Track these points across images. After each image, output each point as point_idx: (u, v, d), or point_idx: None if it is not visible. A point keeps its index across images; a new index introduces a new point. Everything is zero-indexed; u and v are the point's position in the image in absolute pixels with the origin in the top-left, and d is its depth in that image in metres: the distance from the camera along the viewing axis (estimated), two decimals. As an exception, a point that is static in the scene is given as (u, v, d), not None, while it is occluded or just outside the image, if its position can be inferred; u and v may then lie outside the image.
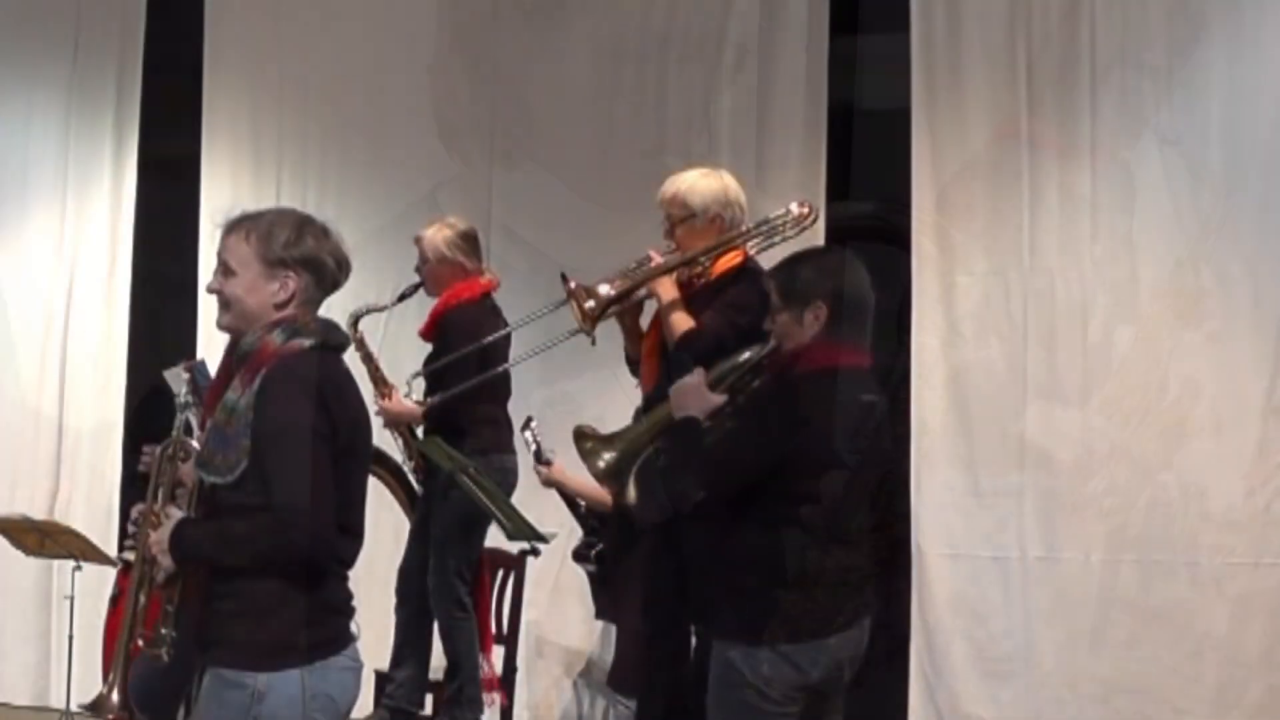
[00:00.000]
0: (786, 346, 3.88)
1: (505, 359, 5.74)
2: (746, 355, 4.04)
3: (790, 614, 3.76)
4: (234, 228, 3.36)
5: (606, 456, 4.18)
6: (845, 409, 3.83)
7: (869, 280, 3.93)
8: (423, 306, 6.01)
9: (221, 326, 3.40)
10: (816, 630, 3.80)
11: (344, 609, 3.28)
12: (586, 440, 4.23)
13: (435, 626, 5.88)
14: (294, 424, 3.18)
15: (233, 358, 4.40)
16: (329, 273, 3.36)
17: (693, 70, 6.82)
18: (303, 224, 3.35)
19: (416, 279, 5.91)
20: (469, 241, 5.84)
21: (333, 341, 3.36)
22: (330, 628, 3.24)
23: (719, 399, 3.95)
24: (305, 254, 3.31)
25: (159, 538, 3.32)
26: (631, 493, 4.24)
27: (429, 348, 5.89)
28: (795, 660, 3.76)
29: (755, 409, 3.90)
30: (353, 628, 3.30)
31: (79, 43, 7.77)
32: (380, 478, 6.03)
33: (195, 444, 3.81)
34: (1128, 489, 6.02)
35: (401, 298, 6.00)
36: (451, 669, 5.78)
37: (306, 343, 3.28)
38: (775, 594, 3.76)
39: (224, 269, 3.35)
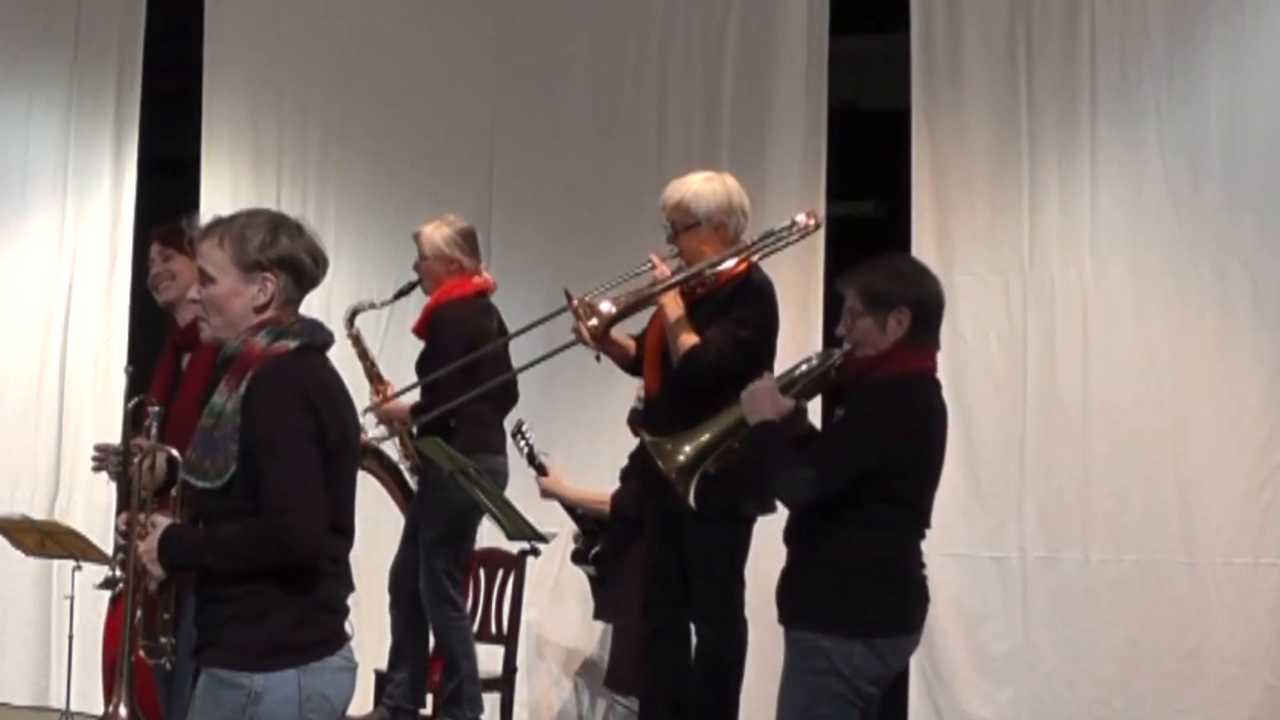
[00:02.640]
0: (864, 351, 3.97)
1: (504, 363, 5.73)
2: (811, 363, 4.17)
3: (887, 611, 3.96)
4: (206, 234, 3.33)
5: (686, 450, 4.24)
6: (935, 412, 4.03)
7: (941, 287, 4.08)
8: (423, 304, 5.99)
9: (205, 337, 3.39)
10: (905, 626, 4.04)
11: (338, 608, 3.27)
12: (665, 443, 4.28)
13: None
14: (282, 427, 3.16)
15: (173, 351, 4.41)
16: (307, 271, 3.33)
17: (693, 71, 6.82)
18: (276, 224, 3.32)
19: (415, 277, 5.90)
20: (468, 239, 5.81)
21: (318, 341, 3.33)
22: (325, 627, 3.23)
23: (790, 403, 4.05)
24: (281, 254, 3.28)
25: (148, 547, 3.30)
26: (692, 497, 4.25)
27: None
28: (883, 654, 3.95)
29: (864, 412, 3.97)
30: (348, 627, 3.28)
31: (79, 43, 7.78)
32: (377, 476, 6.02)
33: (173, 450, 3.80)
34: (1128, 489, 6.02)
35: (398, 295, 5.99)
36: (449, 668, 5.78)
37: (292, 344, 3.25)
38: (874, 591, 3.92)
39: (202, 276, 3.32)
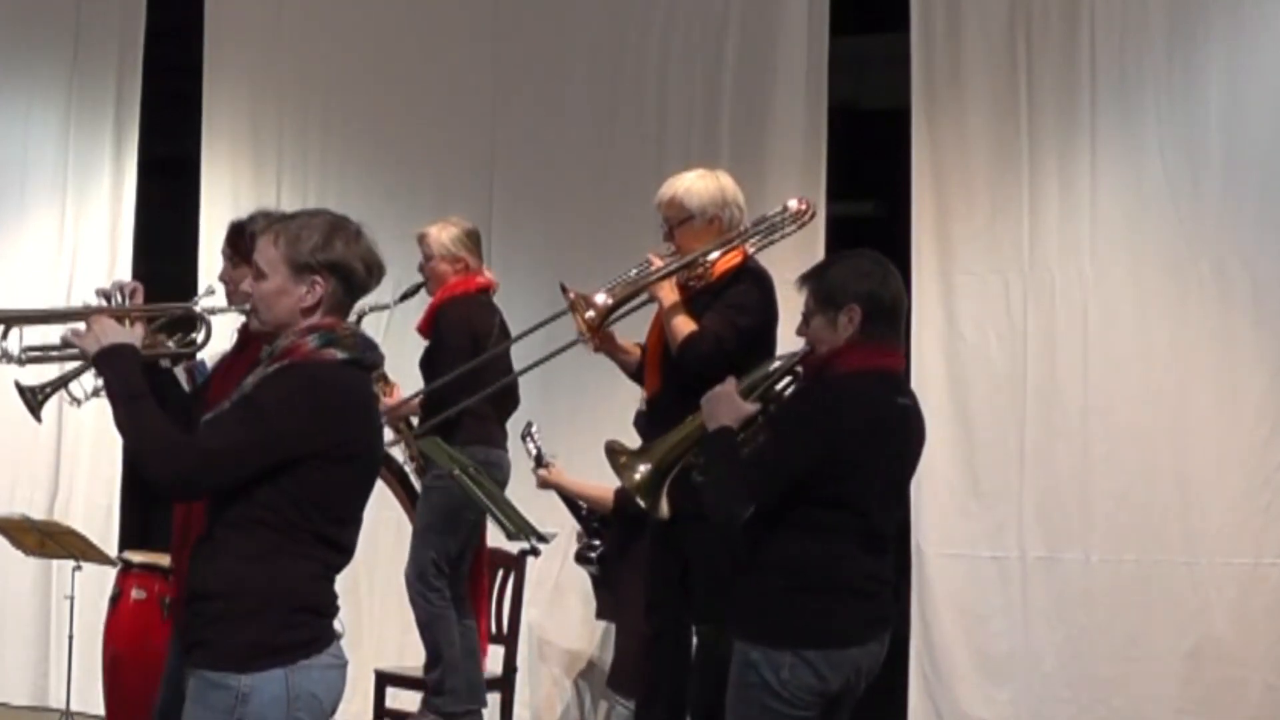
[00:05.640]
0: (820, 350, 3.89)
1: (505, 361, 5.73)
2: (777, 364, 4.06)
3: (818, 620, 3.77)
4: (265, 230, 3.34)
5: (642, 469, 4.14)
6: (881, 411, 3.85)
7: (902, 284, 3.95)
8: (425, 305, 5.99)
9: (253, 329, 3.38)
10: (841, 638, 3.80)
11: (327, 610, 3.26)
12: (620, 455, 4.19)
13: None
14: (274, 412, 3.14)
15: (238, 355, 4.38)
16: (358, 278, 3.32)
17: (693, 71, 6.82)
18: (332, 228, 3.31)
19: (419, 278, 5.90)
20: (473, 239, 5.85)
21: (366, 360, 3.32)
22: (313, 627, 3.22)
23: (752, 407, 3.93)
24: (333, 259, 3.27)
25: (102, 327, 3.32)
26: (664, 507, 4.19)
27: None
28: (816, 667, 3.75)
29: (795, 412, 3.89)
30: (337, 626, 3.28)
31: (79, 43, 7.78)
32: (386, 482, 5.99)
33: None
34: (1128, 489, 6.02)
35: (404, 296, 5.98)
36: (432, 660, 5.74)
37: (340, 355, 3.24)
38: (804, 599, 3.77)
39: (255, 271, 3.32)
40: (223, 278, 4.63)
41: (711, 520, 4.04)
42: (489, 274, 5.91)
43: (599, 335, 4.95)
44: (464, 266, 5.80)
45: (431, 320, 5.78)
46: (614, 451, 4.24)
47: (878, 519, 3.87)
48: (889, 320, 3.88)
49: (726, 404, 3.92)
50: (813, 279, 3.95)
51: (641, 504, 4.16)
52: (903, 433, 3.94)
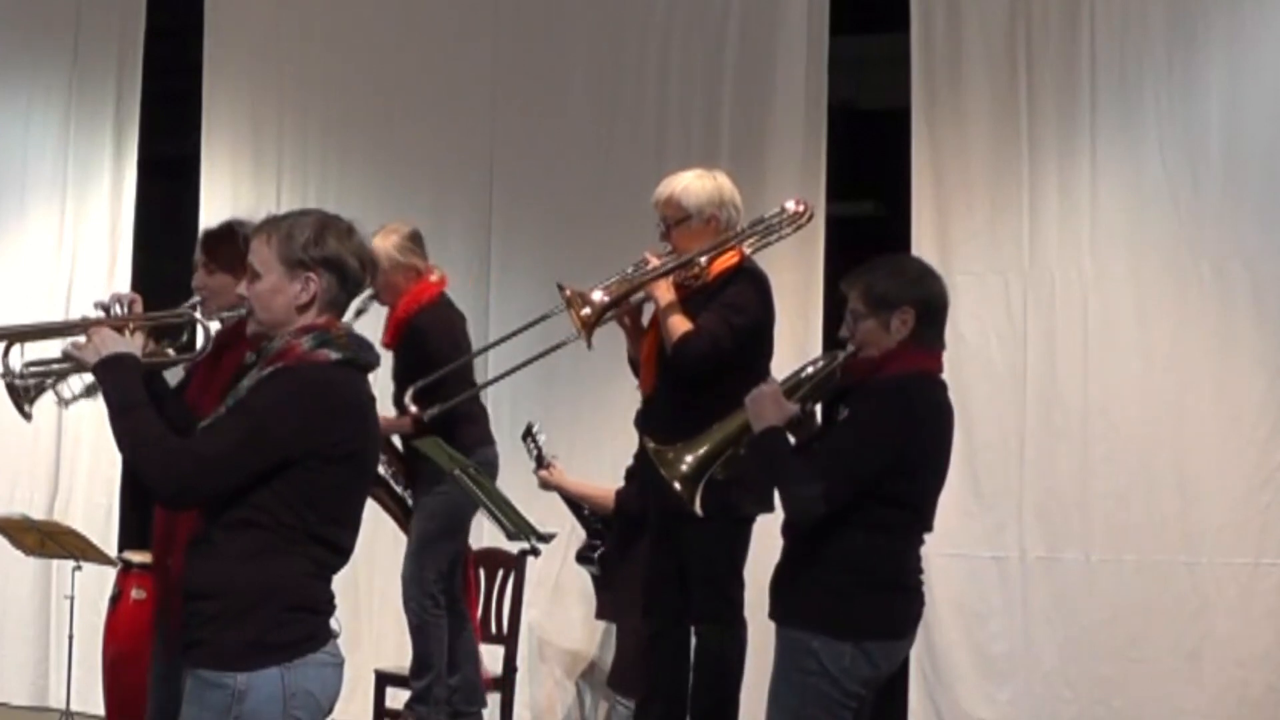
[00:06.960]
0: (869, 352, 3.94)
1: (469, 353, 5.73)
2: (815, 366, 4.09)
3: (881, 614, 3.91)
4: (257, 231, 3.35)
5: (688, 460, 4.16)
6: (942, 412, 3.98)
7: (946, 288, 4.03)
8: (379, 314, 5.92)
9: (251, 333, 3.37)
10: (898, 631, 3.98)
11: (322, 609, 3.27)
12: (665, 449, 4.22)
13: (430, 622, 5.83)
14: (270, 415, 3.15)
15: (217, 355, 4.36)
16: (352, 273, 3.33)
17: (693, 71, 6.82)
18: (324, 224, 3.32)
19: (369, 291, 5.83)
20: (416, 241, 5.77)
21: (360, 360, 3.32)
22: (308, 625, 3.22)
23: (795, 408, 3.99)
24: (326, 254, 3.28)
25: (105, 334, 3.32)
26: (698, 505, 4.20)
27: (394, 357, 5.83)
28: (873, 657, 3.88)
29: (868, 412, 3.92)
30: (333, 624, 3.28)
31: (79, 43, 7.79)
32: (384, 505, 5.94)
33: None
34: (1128, 489, 6.02)
35: (358, 314, 5.89)
36: (421, 666, 5.71)
37: (334, 355, 3.25)
38: (870, 594, 3.88)
39: (250, 273, 3.32)
40: (197, 285, 4.59)
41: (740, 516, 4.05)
42: (439, 272, 5.85)
43: (594, 331, 4.95)
44: (415, 271, 5.75)
45: (402, 332, 5.71)
46: (658, 449, 4.26)
47: (928, 514, 4.01)
48: (937, 323, 3.98)
49: (772, 404, 3.97)
50: (860, 282, 3.99)
51: (681, 493, 4.15)
52: (949, 433, 4.04)
